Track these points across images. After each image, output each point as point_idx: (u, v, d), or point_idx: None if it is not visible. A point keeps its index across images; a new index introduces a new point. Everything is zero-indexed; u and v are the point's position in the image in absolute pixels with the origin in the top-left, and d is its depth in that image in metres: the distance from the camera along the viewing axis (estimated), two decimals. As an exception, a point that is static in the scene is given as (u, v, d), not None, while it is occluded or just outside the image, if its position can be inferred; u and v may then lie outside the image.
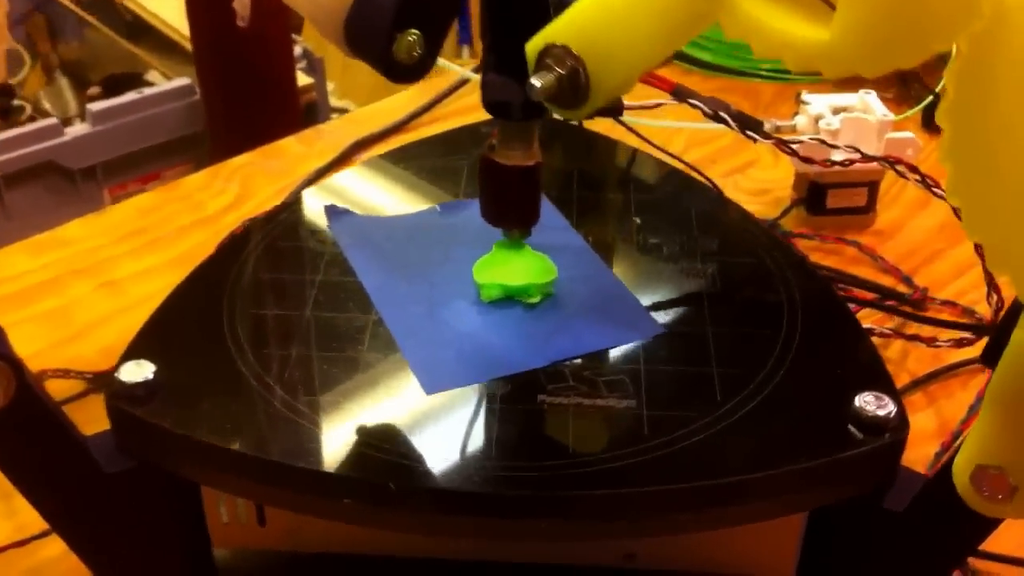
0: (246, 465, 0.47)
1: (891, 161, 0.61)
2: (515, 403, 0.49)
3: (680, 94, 0.63)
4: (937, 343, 0.69)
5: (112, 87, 1.57)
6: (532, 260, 0.56)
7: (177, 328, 0.53)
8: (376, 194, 0.64)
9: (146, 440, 0.49)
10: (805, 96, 0.83)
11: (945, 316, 0.74)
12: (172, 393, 0.49)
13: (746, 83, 1.04)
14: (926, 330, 0.71)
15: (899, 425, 0.47)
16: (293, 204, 0.62)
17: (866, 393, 0.48)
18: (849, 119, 0.80)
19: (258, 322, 0.54)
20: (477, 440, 0.47)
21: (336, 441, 0.47)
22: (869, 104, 0.81)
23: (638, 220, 0.62)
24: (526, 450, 0.47)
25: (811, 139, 0.71)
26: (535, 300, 0.55)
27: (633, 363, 0.51)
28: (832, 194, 0.83)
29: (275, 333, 0.53)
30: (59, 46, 1.84)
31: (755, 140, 0.62)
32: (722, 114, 0.61)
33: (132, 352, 0.51)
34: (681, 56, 1.05)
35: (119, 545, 0.52)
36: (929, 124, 0.94)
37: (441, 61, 0.90)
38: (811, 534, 0.51)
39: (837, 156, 0.65)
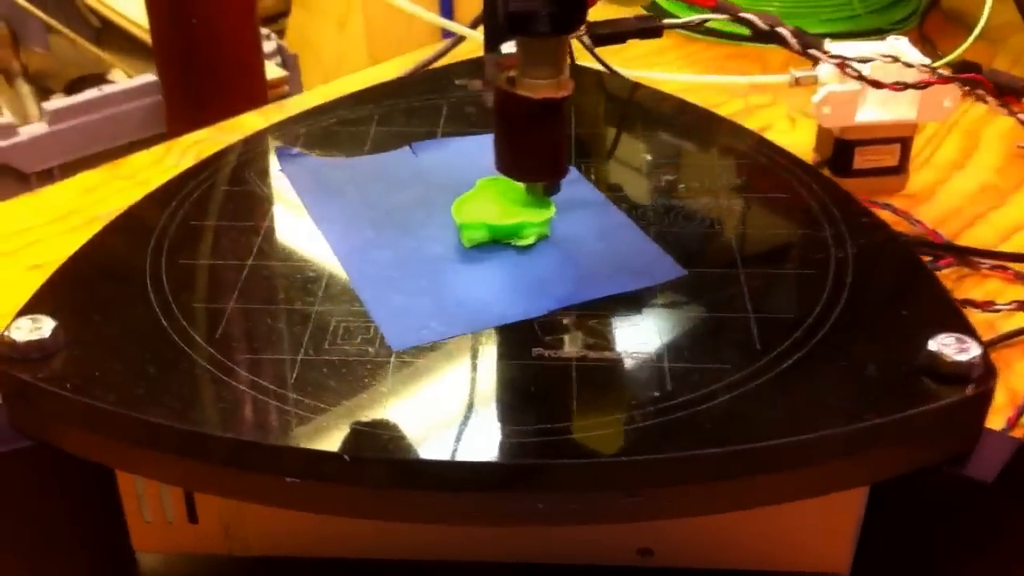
0: (168, 440, 0.37)
1: (967, 81, 0.52)
2: (503, 359, 0.40)
3: (725, 9, 0.55)
4: (995, 307, 0.60)
5: (74, 91, 1.48)
6: (524, 195, 0.46)
7: (88, 280, 0.44)
8: (338, 136, 0.54)
9: (43, 412, 0.39)
10: (827, 44, 0.73)
11: (997, 280, 0.65)
12: (76, 354, 0.39)
13: (755, 49, 0.95)
14: (979, 294, 0.62)
15: (985, 373, 0.38)
16: (239, 147, 0.53)
17: (943, 335, 0.38)
18: (880, 66, 0.70)
19: (189, 273, 0.44)
20: (455, 402, 0.38)
21: (279, 408, 0.37)
22: (900, 50, 0.72)
23: (648, 156, 0.52)
24: (517, 413, 0.37)
25: (882, 58, 0.61)
26: (528, 242, 0.45)
27: (651, 309, 0.42)
28: (860, 152, 0.74)
29: (208, 285, 0.44)
30: (23, 53, 1.75)
31: (817, 60, 0.53)
32: (779, 30, 0.52)
33: (30, 307, 0.41)
34: (684, 24, 0.96)
35: (15, 551, 0.42)
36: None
37: (428, 15, 0.81)
38: (872, 516, 0.41)
39: (908, 77, 0.55)
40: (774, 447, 0.36)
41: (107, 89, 1.33)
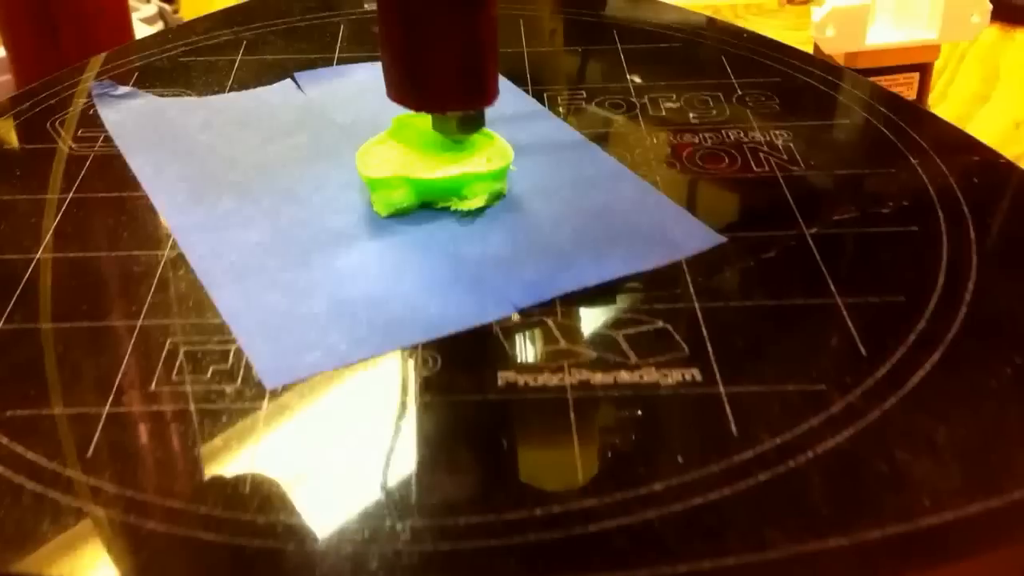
0: None
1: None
2: (449, 394, 0.24)
3: None
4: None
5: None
6: (463, 135, 0.30)
7: None
8: (189, 70, 0.38)
9: None
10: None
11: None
12: None
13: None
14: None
15: None
16: (37, 91, 0.36)
17: None
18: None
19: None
20: (370, 471, 0.22)
21: (61, 502, 0.21)
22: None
23: (636, 79, 0.37)
24: (479, 484, 0.21)
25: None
26: (476, 205, 0.30)
27: (680, 299, 0.26)
28: (870, 84, 0.59)
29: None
30: None
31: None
32: None
33: None
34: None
35: None
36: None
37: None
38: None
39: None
40: (912, 535, 0.20)
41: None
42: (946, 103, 0.64)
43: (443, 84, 0.29)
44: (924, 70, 0.60)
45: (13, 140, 0.34)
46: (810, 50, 0.59)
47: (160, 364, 0.25)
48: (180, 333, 0.26)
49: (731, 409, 0.23)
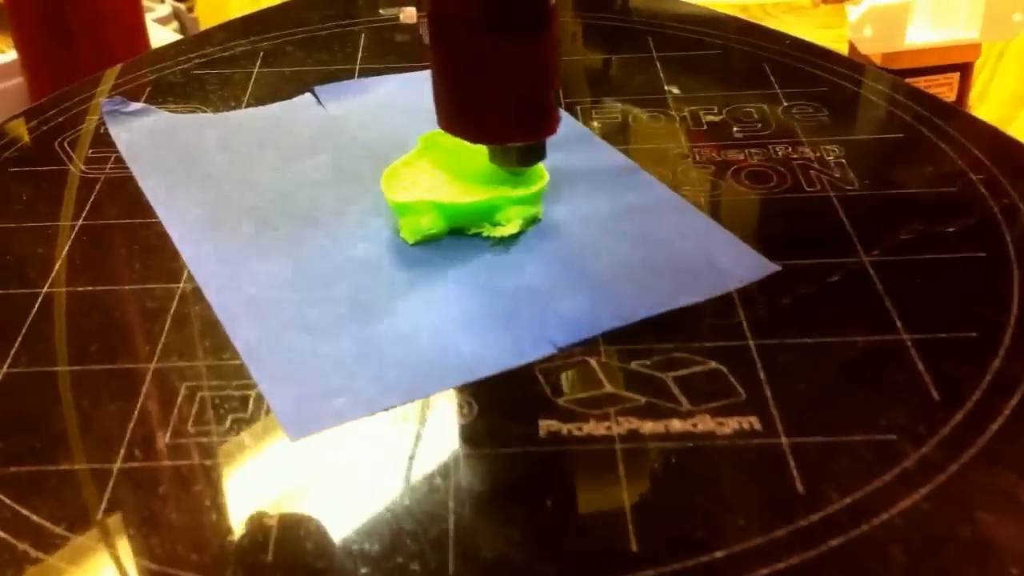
0: None
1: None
2: (487, 445, 0.22)
3: None
4: None
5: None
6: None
7: None
8: (204, 84, 0.36)
9: None
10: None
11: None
12: None
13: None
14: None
15: None
16: (46, 107, 0.34)
17: None
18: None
19: (-64, 315, 0.26)
20: (402, 538, 0.20)
21: (69, 569, 0.19)
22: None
23: (674, 90, 0.35)
24: (518, 555, 0.20)
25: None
26: (510, 232, 0.28)
27: (734, 336, 0.24)
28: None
29: (-32, 335, 0.25)
30: None
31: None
32: None
33: None
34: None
35: None
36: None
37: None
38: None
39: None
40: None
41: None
42: (987, 104, 0.62)
43: (503, 115, 0.27)
44: (964, 70, 0.57)
45: (20, 161, 0.32)
46: (844, 49, 0.57)
47: (175, 412, 0.23)
48: (196, 377, 0.24)
49: (795, 462, 0.21)
